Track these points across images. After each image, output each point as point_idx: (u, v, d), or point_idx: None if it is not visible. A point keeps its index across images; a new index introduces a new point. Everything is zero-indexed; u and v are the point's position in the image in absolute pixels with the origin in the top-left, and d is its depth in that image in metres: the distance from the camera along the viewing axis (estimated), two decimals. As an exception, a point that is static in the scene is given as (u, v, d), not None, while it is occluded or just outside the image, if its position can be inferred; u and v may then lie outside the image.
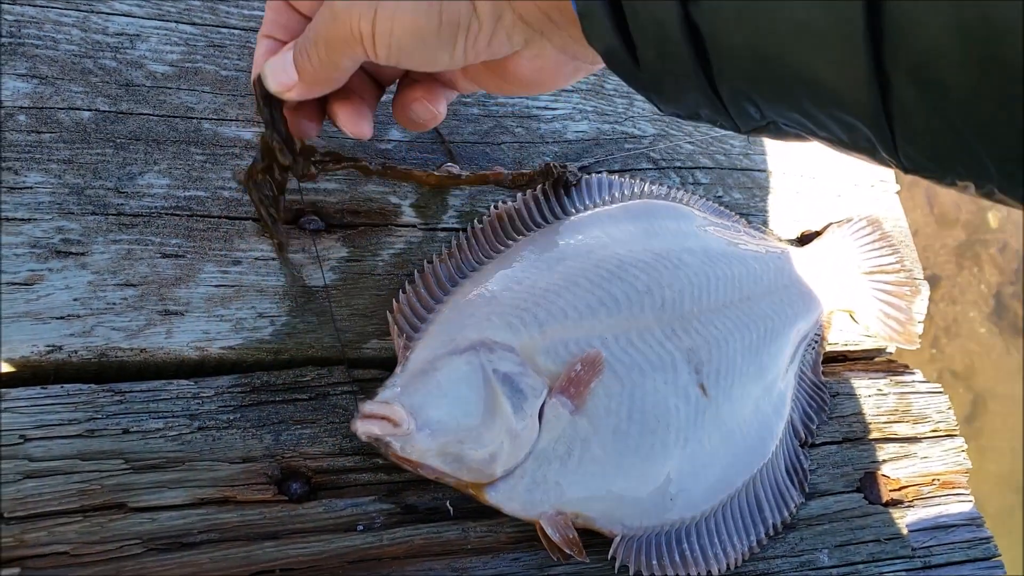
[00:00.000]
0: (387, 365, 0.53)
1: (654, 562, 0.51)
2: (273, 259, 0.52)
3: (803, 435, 0.63)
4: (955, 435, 0.71)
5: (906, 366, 0.74)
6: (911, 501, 0.67)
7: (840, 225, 0.71)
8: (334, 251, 0.54)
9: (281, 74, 0.41)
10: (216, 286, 0.50)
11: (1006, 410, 2.58)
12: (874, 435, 0.67)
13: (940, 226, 2.99)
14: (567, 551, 0.48)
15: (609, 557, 0.50)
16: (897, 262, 0.71)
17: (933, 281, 2.89)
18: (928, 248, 2.90)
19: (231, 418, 0.48)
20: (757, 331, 0.60)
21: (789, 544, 0.60)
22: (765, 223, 0.71)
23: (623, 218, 0.60)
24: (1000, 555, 0.68)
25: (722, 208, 0.67)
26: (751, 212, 0.70)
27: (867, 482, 0.66)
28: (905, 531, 0.65)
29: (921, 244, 2.90)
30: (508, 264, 0.55)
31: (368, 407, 0.44)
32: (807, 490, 0.61)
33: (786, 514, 0.59)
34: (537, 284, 0.53)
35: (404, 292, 0.52)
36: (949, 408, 0.72)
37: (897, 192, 0.79)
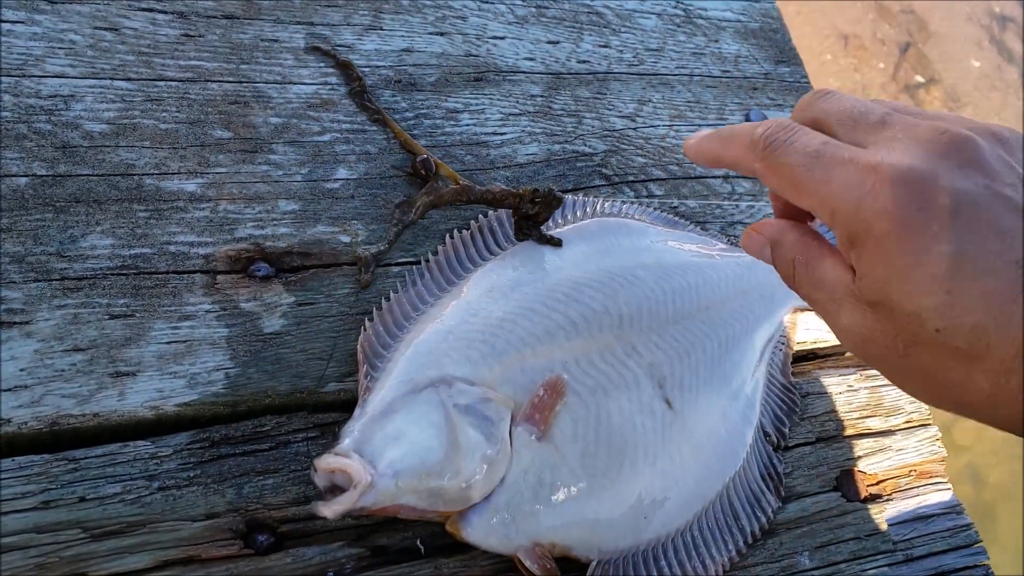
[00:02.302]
0: (347, 407, 0.53)
1: None
2: (224, 310, 0.52)
3: (775, 439, 0.63)
4: (929, 424, 0.71)
5: (876, 359, 0.74)
6: (889, 495, 0.67)
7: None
8: (285, 297, 0.53)
9: None
10: (167, 343, 0.50)
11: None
12: (848, 432, 0.68)
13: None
14: None
15: None
16: None
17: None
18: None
19: (191, 475, 0.47)
20: (718, 339, 0.60)
21: (768, 550, 0.60)
22: (723, 229, 0.71)
23: (575, 239, 0.59)
24: (981, 541, 0.68)
25: (676, 219, 0.68)
26: (707, 219, 0.70)
27: (844, 480, 0.66)
28: (885, 526, 0.65)
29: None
30: (463, 295, 0.55)
31: (321, 465, 0.43)
32: (783, 494, 0.61)
33: (764, 520, 0.59)
34: (493, 314, 0.53)
35: (364, 330, 0.52)
36: (921, 398, 0.72)
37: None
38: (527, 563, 0.48)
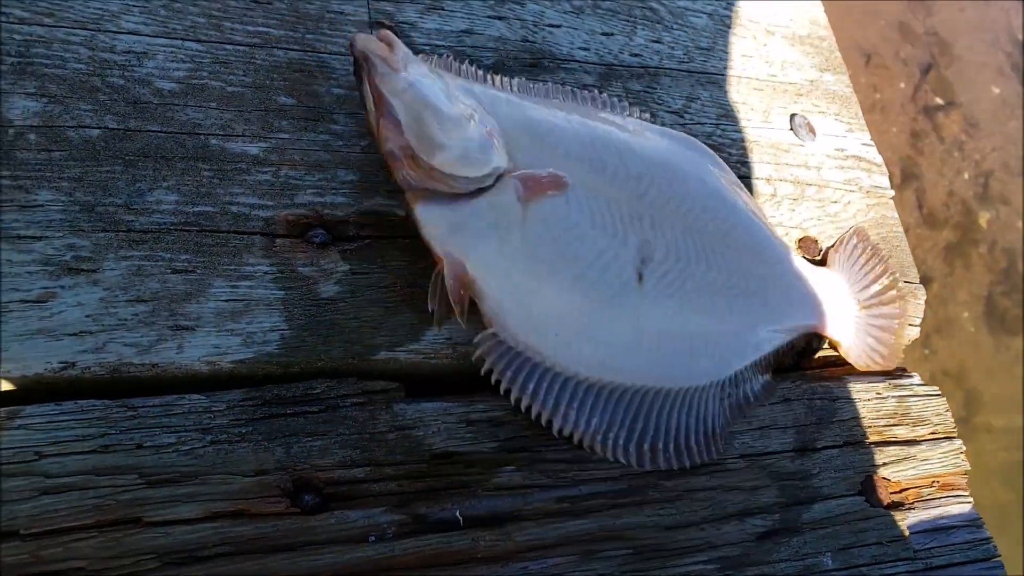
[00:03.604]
0: (396, 376, 0.54)
1: (508, 372, 0.52)
2: (281, 273, 0.53)
3: (731, 421, 0.62)
4: (953, 437, 0.72)
5: (904, 369, 0.74)
6: (912, 503, 0.68)
7: (836, 250, 0.71)
8: (340, 264, 0.54)
9: None
10: (226, 300, 0.50)
11: (999, 409, 2.60)
12: (874, 438, 0.68)
13: (930, 227, 3.01)
14: (454, 304, 0.51)
15: (474, 342, 0.52)
16: (892, 286, 0.71)
17: (924, 282, 2.91)
18: (918, 248, 2.93)
19: (243, 431, 0.48)
20: (725, 276, 0.61)
21: (792, 548, 0.61)
22: (764, 230, 0.72)
23: (662, 131, 0.65)
24: (999, 555, 0.69)
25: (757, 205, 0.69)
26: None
27: (868, 485, 0.67)
28: (907, 533, 0.66)
29: (911, 245, 2.92)
30: (546, 99, 0.61)
31: (382, 32, 0.51)
32: (696, 462, 0.59)
33: (660, 459, 0.57)
34: (556, 117, 0.58)
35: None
36: (947, 411, 0.73)
37: (892, 196, 0.80)
38: (446, 271, 0.52)
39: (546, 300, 0.54)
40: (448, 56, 0.60)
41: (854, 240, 0.72)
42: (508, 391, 0.52)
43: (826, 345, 0.71)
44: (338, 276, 0.54)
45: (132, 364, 0.47)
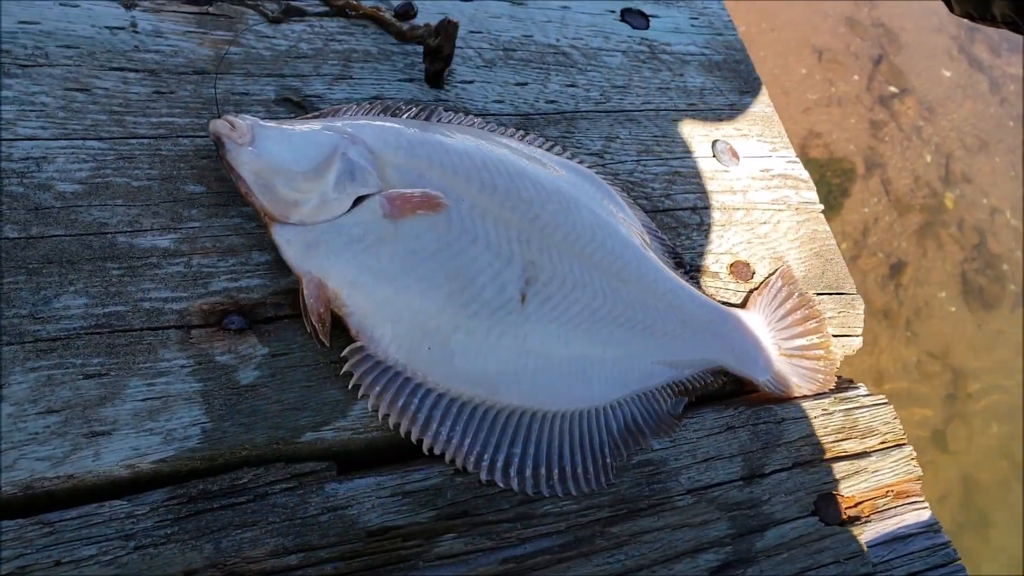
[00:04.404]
0: (324, 456, 0.53)
1: (376, 388, 0.53)
2: (199, 364, 0.52)
3: (622, 455, 0.60)
4: (903, 444, 0.72)
5: (850, 381, 0.75)
6: (868, 516, 0.68)
7: (759, 291, 0.72)
8: (259, 348, 0.54)
9: None
10: (143, 400, 0.50)
11: (987, 383, 2.62)
12: (824, 456, 0.69)
13: (899, 212, 3.05)
14: (314, 323, 0.52)
15: (342, 356, 0.53)
16: (818, 338, 0.71)
17: (899, 267, 2.94)
18: (889, 234, 2.96)
19: (169, 532, 0.48)
20: (610, 305, 0.61)
21: (749, 579, 0.61)
22: (692, 260, 0.72)
23: (560, 163, 0.66)
24: (959, 559, 0.69)
25: (662, 235, 0.69)
26: (679, 250, 0.72)
27: (822, 504, 0.67)
28: (864, 548, 0.66)
29: (882, 231, 2.95)
30: (430, 120, 0.63)
31: (227, 115, 0.54)
32: (584, 490, 0.58)
33: (544, 485, 0.57)
34: (437, 135, 0.60)
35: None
36: (895, 418, 0.73)
37: (821, 211, 0.81)
38: (305, 291, 0.53)
39: (419, 315, 0.54)
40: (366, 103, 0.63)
41: (778, 283, 0.72)
42: (388, 416, 0.53)
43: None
44: (257, 360, 0.54)
45: (46, 478, 0.46)
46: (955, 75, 3.41)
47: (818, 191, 0.84)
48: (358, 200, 0.55)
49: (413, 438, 0.53)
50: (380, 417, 0.53)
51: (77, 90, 0.58)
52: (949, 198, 3.19)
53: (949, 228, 3.11)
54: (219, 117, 0.55)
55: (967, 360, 2.67)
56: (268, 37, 0.66)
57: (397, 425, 0.53)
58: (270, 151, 0.54)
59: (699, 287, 0.70)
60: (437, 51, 0.66)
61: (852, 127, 3.17)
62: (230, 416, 0.52)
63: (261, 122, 0.56)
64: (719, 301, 0.71)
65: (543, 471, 0.57)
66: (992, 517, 2.39)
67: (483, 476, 0.55)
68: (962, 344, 2.72)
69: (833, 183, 2.89)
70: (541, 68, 0.76)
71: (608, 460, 0.59)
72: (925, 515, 0.70)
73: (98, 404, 0.49)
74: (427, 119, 0.64)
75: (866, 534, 0.67)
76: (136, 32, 0.62)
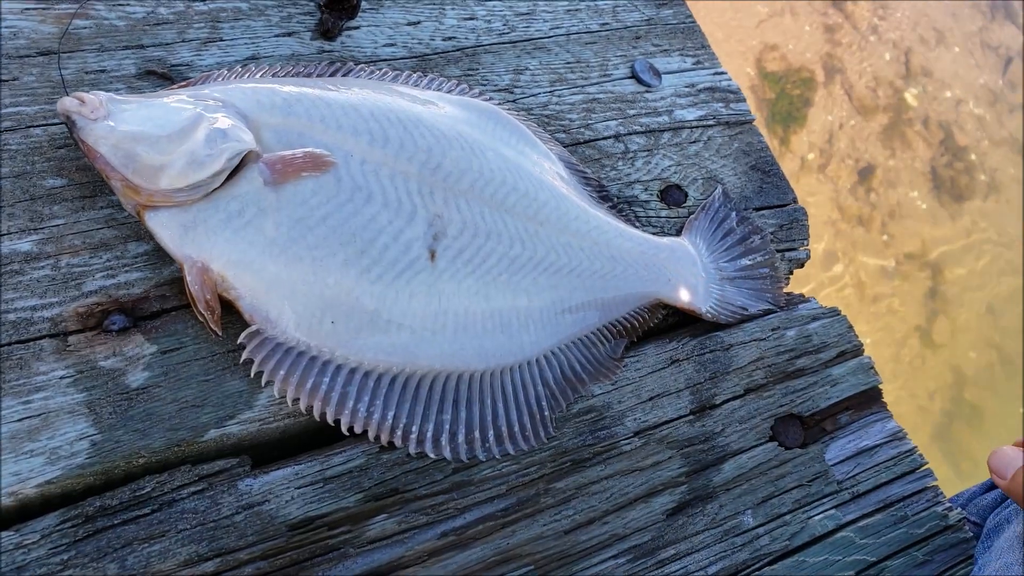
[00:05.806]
0: (232, 452, 0.49)
1: (280, 372, 0.49)
2: (80, 373, 0.48)
3: (549, 413, 0.57)
4: (860, 353, 0.69)
5: (802, 295, 0.72)
6: (830, 433, 0.65)
7: (696, 216, 0.68)
8: (147, 347, 0.50)
9: None
10: (19, 420, 0.46)
11: (965, 278, 2.62)
12: (778, 377, 0.66)
13: (863, 116, 3.00)
14: (203, 311, 0.48)
15: (238, 343, 0.49)
16: (761, 256, 0.68)
17: (868, 171, 2.91)
18: (856, 139, 2.92)
19: (65, 558, 0.44)
20: (530, 251, 0.57)
21: (708, 516, 0.58)
22: (620, 191, 0.68)
23: (462, 103, 0.61)
24: (927, 463, 0.66)
25: (584, 169, 0.65)
26: (604, 182, 0.67)
27: (779, 428, 0.64)
28: (827, 467, 0.63)
29: (848, 137, 2.91)
30: (307, 75, 0.59)
31: (76, 92, 0.49)
32: (523, 448, 0.55)
33: (479, 449, 0.53)
34: (316, 89, 0.55)
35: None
36: (849, 328, 0.70)
37: (752, 121, 0.76)
38: (188, 277, 0.49)
39: (315, 287, 0.50)
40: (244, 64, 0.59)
41: (715, 205, 0.68)
42: (298, 399, 0.49)
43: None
44: (146, 360, 0.49)
45: (-83, 520, 0.42)
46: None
47: (779, 104, 0.80)
48: (234, 173, 0.50)
49: (329, 419, 0.49)
50: (290, 402, 0.49)
51: (-95, 90, 0.52)
52: (911, 94, 3.14)
53: (914, 126, 3.08)
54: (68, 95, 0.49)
55: (944, 258, 2.67)
56: (121, 5, 0.60)
57: (310, 408, 0.49)
58: (128, 121, 0.49)
59: (629, 220, 0.66)
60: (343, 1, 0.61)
61: (807, 35, 3.09)
62: (122, 424, 0.48)
63: (116, 96, 0.51)
64: (653, 231, 0.67)
65: (476, 434, 0.53)
66: (982, 405, 2.43)
67: (412, 449, 0.51)
68: (938, 241, 2.71)
69: (794, 94, 2.83)
70: (434, 3, 0.70)
71: (546, 413, 0.56)
72: (889, 424, 0.67)
73: (-32, 432, 0.45)
74: (333, 76, 0.59)
75: (829, 452, 0.64)
76: (-32, 17, 0.56)
